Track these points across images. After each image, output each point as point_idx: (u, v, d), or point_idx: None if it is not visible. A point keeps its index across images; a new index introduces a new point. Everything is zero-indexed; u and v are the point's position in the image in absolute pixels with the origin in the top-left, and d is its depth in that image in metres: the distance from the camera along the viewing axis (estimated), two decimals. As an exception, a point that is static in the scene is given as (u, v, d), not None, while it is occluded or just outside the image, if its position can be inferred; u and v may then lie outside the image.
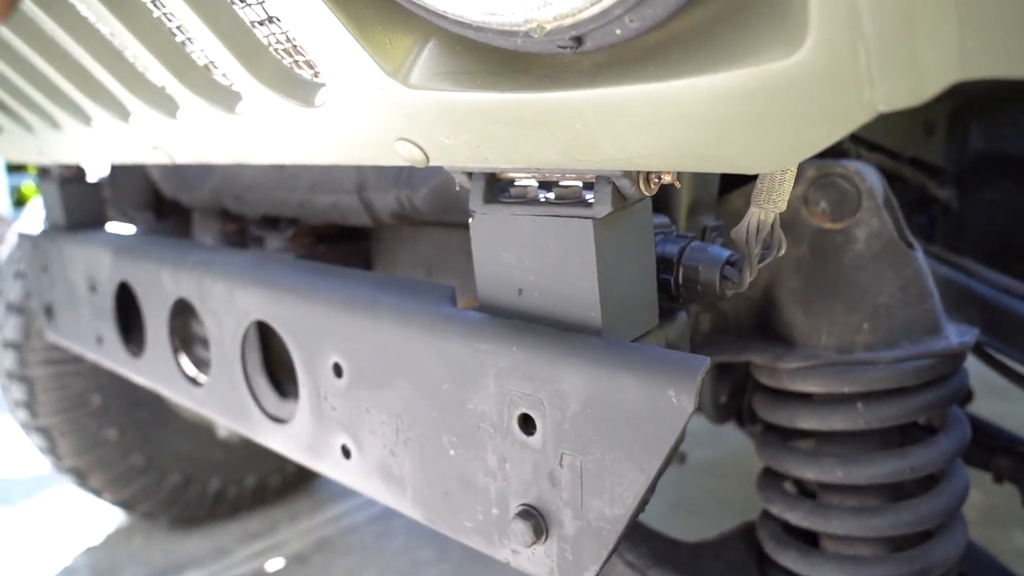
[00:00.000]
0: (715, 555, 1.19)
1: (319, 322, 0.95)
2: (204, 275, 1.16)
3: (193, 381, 1.25)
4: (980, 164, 1.79)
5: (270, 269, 1.07)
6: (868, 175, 1.04)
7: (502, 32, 0.55)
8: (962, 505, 1.06)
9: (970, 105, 1.68)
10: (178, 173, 1.53)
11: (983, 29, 0.40)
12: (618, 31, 0.51)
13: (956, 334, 1.04)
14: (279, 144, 0.90)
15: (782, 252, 0.70)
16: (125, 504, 2.41)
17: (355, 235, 1.37)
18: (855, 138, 1.35)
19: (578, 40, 0.53)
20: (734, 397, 1.31)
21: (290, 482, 2.75)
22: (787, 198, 0.64)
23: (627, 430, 0.63)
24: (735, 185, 1.07)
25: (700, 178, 0.94)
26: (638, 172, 0.62)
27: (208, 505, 2.54)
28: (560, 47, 0.54)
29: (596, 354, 0.64)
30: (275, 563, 2.42)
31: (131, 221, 1.82)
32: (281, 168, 1.26)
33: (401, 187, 1.06)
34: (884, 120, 1.46)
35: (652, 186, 0.63)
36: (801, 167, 1.06)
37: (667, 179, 0.62)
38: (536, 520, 0.73)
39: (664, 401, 0.60)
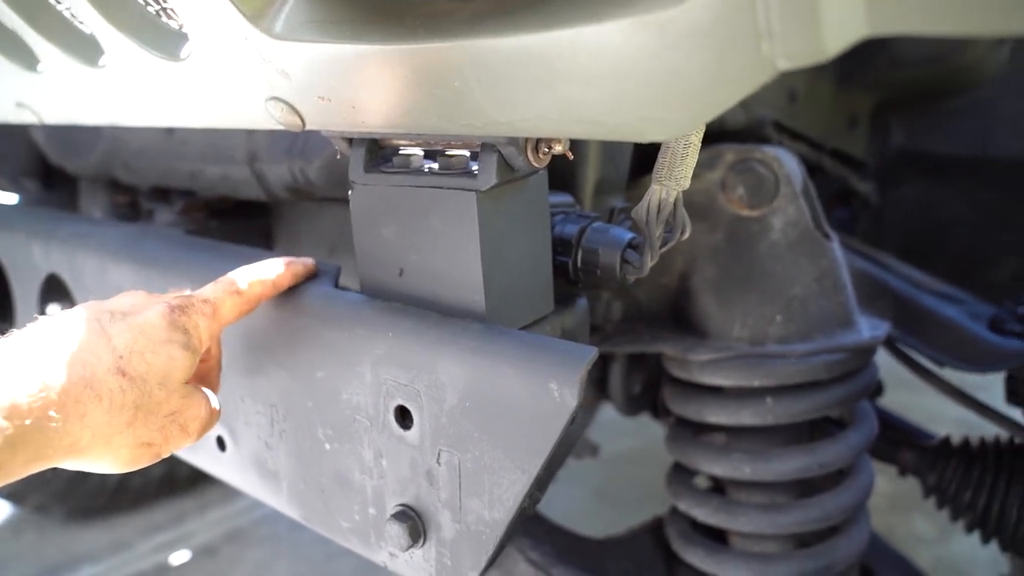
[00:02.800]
0: (622, 552, 1.15)
1: (193, 301, 0.86)
2: (77, 249, 1.05)
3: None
4: (900, 160, 1.80)
5: (146, 244, 0.97)
6: (787, 161, 1.00)
7: (366, -30, 0.48)
8: (867, 500, 1.04)
9: (892, 101, 1.67)
10: (63, 137, 1.40)
11: (892, -21, 0.35)
12: (495, -27, 0.45)
13: (868, 328, 1.01)
14: (148, 103, 0.81)
15: (686, 235, 0.65)
16: (14, 497, 2.24)
17: (253, 210, 1.28)
18: (778, 126, 1.32)
19: (452, -17, 0.46)
20: (649, 387, 1.27)
21: (202, 472, 2.62)
22: (690, 174, 0.59)
23: (507, 426, 0.57)
24: (648, 168, 1.02)
25: (608, 155, 0.88)
26: (525, 140, 0.56)
27: (108, 496, 2.38)
28: (433, -9, 0.47)
29: (475, 342, 0.58)
30: (180, 556, 2.30)
31: (16, 190, 1.68)
32: (169, 134, 1.15)
33: (294, 158, 0.98)
34: (807, 110, 1.44)
35: (542, 156, 0.57)
36: (720, 151, 1.01)
37: (558, 148, 0.56)
38: (413, 522, 0.66)
39: (545, 395, 0.54)
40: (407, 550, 0.67)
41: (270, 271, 0.72)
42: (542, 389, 0.54)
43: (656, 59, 0.41)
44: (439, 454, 0.63)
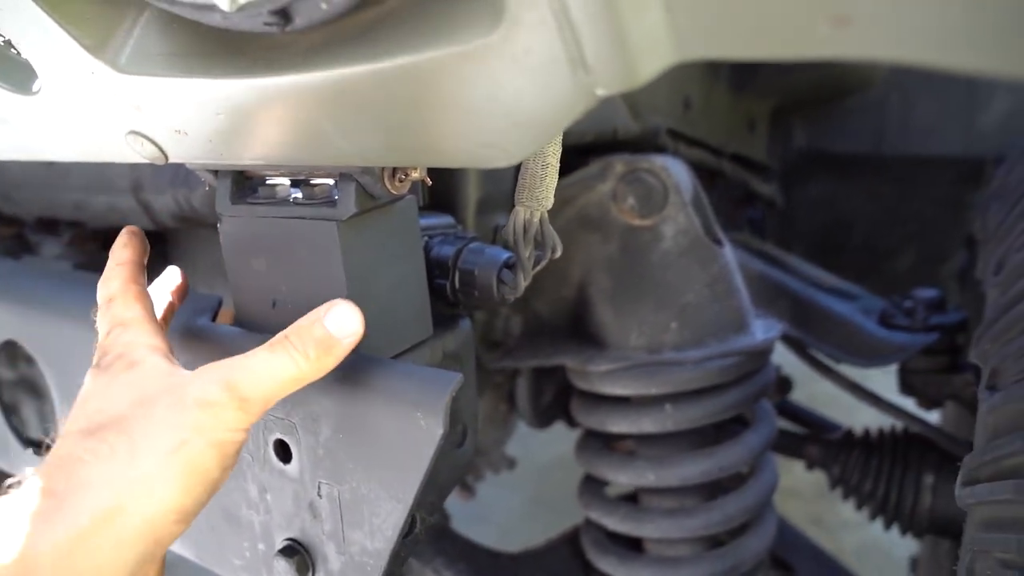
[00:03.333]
0: (539, 565, 1.15)
1: (69, 340, 0.83)
2: (-48, 288, 1.00)
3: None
4: (803, 161, 1.86)
5: (23, 281, 0.94)
6: (675, 170, 1.02)
7: (196, 6, 0.47)
8: (771, 497, 1.07)
9: (792, 103, 1.73)
10: (-59, 171, 1.34)
11: (693, 7, 0.36)
12: (324, 5, 0.44)
13: (762, 330, 1.04)
14: (7, 137, 0.78)
15: (557, 254, 0.65)
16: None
17: (149, 239, 1.24)
18: (674, 134, 1.35)
19: (284, 16, 0.46)
20: (559, 399, 1.28)
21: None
22: (551, 194, 0.59)
23: (380, 457, 0.57)
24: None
25: (488, 174, 0.89)
26: (382, 168, 0.56)
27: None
28: (267, 24, 0.47)
29: (345, 372, 0.57)
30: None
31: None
32: (49, 165, 1.11)
33: (178, 187, 0.96)
34: (704, 116, 1.47)
35: (400, 183, 0.56)
36: (609, 162, 1.03)
37: (415, 175, 0.56)
38: (301, 556, 0.65)
39: (412, 425, 0.54)
40: (296, 585, 0.66)
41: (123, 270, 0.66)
42: (409, 419, 0.54)
43: (481, 88, 0.41)
44: (319, 486, 0.62)
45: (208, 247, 1.21)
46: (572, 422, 1.35)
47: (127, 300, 0.62)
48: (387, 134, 0.48)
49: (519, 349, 1.05)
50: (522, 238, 0.61)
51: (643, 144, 1.23)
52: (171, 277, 0.72)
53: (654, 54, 0.38)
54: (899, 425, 1.23)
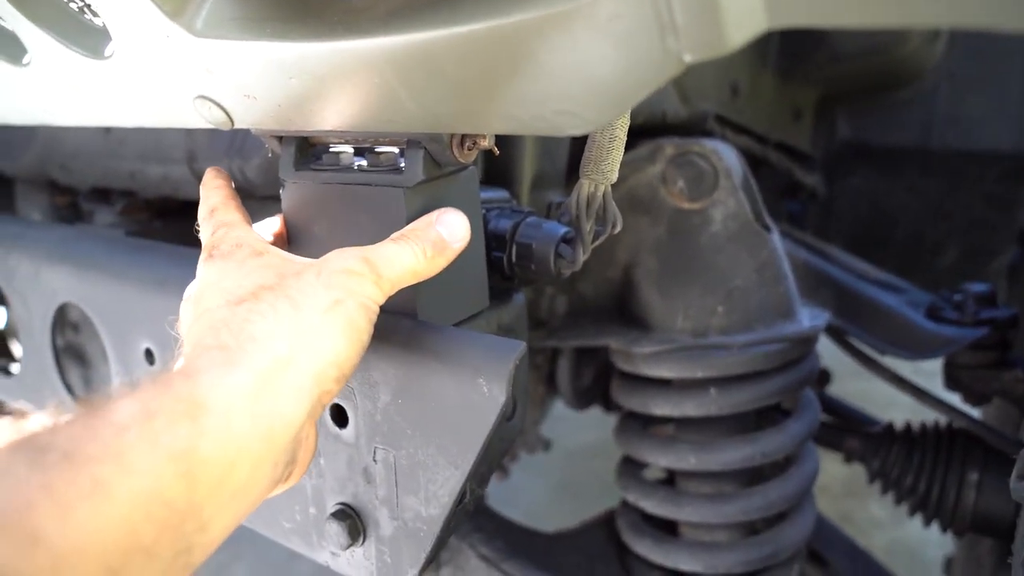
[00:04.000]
0: (574, 545, 1.15)
1: (129, 304, 0.85)
2: (10, 251, 1.03)
3: (4, 370, 1.12)
4: (846, 153, 1.84)
5: (82, 245, 0.96)
6: (726, 154, 1.02)
7: (279, -33, 0.48)
8: (812, 487, 1.06)
9: (835, 94, 1.70)
10: (-2, 138, 1.37)
11: (788, -27, 0.36)
12: (407, -32, 0.45)
13: (808, 318, 1.03)
14: (76, 102, 0.79)
15: (618, 228, 0.65)
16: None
17: (197, 210, 1.26)
18: (721, 120, 1.34)
19: (367, -22, 0.46)
20: (599, 381, 1.28)
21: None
22: (617, 168, 0.59)
23: (439, 423, 0.57)
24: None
25: (545, 150, 0.89)
26: (451, 136, 0.56)
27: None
28: (348, -13, 0.47)
29: (406, 338, 0.58)
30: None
31: (-48, 193, 1.63)
32: (106, 133, 1.13)
33: (233, 157, 0.97)
34: (750, 104, 1.45)
35: (468, 151, 0.57)
36: (660, 145, 1.02)
37: (484, 144, 0.57)
38: (352, 520, 0.66)
39: (475, 391, 0.54)
40: (347, 549, 0.67)
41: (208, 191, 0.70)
42: (471, 385, 0.54)
43: (565, 53, 0.41)
44: (375, 452, 0.63)
45: (255, 220, 1.22)
46: (609, 405, 1.36)
47: (228, 209, 0.65)
48: (462, 100, 0.49)
49: (563, 329, 1.05)
50: (585, 211, 0.61)
51: (691, 129, 1.22)
52: (272, 222, 0.73)
53: (747, 20, 0.38)
54: (942, 420, 1.22)
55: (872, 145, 1.81)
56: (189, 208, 1.28)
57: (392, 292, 0.56)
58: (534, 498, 2.63)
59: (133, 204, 1.21)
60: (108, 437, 0.41)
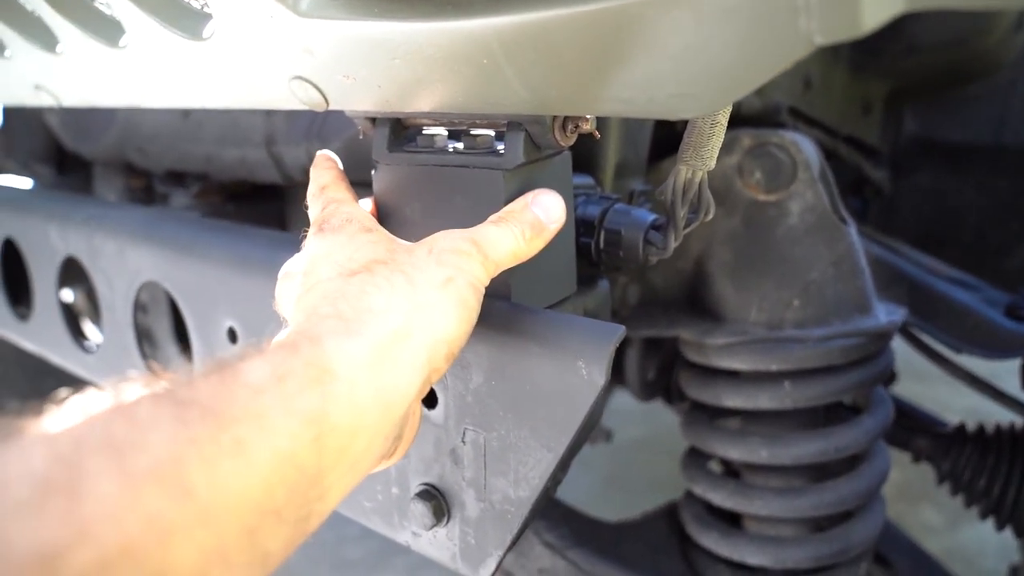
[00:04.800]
0: (637, 535, 1.15)
1: (213, 284, 0.87)
2: (94, 231, 1.05)
3: (84, 347, 1.15)
4: (913, 148, 1.79)
5: (164, 226, 0.98)
6: (804, 146, 1.00)
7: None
8: (882, 484, 1.04)
9: (907, 88, 1.66)
10: (77, 121, 1.41)
11: (932, -48, 0.35)
12: (526, -53, 0.45)
13: (885, 313, 1.01)
14: (169, 84, 0.81)
15: (710, 216, 0.65)
16: None
17: (268, 195, 1.28)
18: (793, 112, 1.32)
19: (482, -42, 0.46)
20: (662, 373, 1.28)
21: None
22: (716, 154, 0.59)
23: (533, 405, 0.57)
24: (668, 152, 1.02)
25: (629, 138, 0.88)
26: (553, 118, 0.56)
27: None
28: (462, -34, 0.47)
29: (501, 320, 0.58)
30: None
31: (30, 175, 1.68)
32: (185, 116, 1.16)
33: (312, 140, 0.98)
34: (822, 97, 1.43)
35: (569, 135, 0.57)
36: (737, 136, 1.01)
37: (586, 128, 0.56)
38: (437, 501, 0.67)
39: (573, 373, 0.54)
40: (431, 529, 0.67)
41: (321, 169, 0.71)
42: (569, 367, 0.54)
43: (689, 34, 0.41)
44: (464, 433, 0.63)
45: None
46: (671, 398, 1.35)
47: (339, 187, 0.66)
48: (574, 82, 0.48)
49: (634, 319, 1.04)
50: (680, 198, 0.61)
51: (764, 121, 1.21)
52: (364, 203, 0.73)
53: (884, 2, 0.37)
54: (1018, 422, 1.18)
55: (941, 141, 1.76)
56: (262, 192, 1.31)
57: (496, 274, 0.57)
58: (581, 492, 2.63)
59: (207, 187, 1.24)
60: (245, 398, 0.42)
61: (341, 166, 0.70)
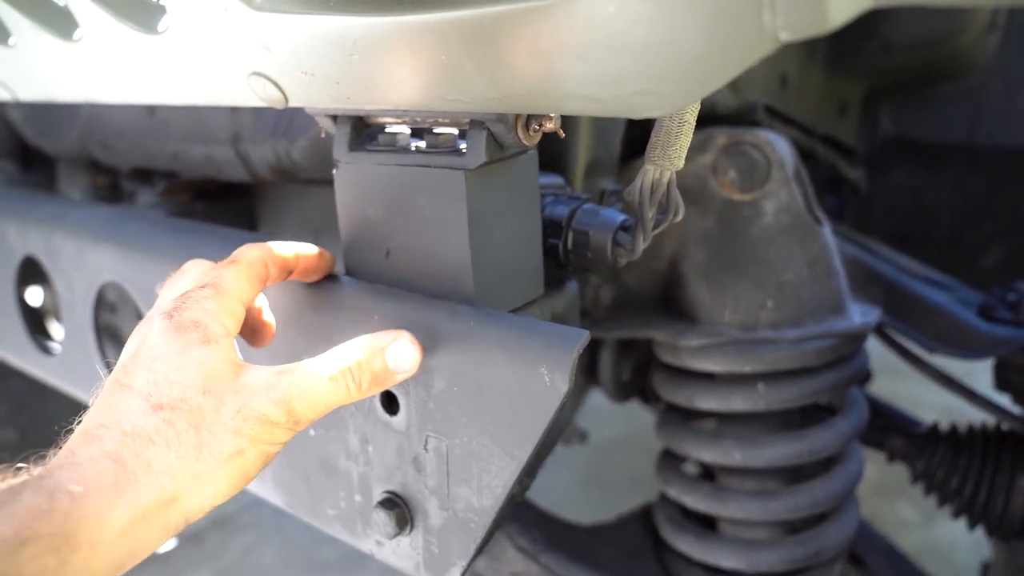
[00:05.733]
0: (611, 538, 1.14)
1: (174, 284, 0.84)
2: (54, 230, 1.03)
3: (45, 349, 1.12)
4: (889, 148, 1.80)
5: (125, 226, 0.95)
6: (779, 145, 0.99)
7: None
8: (857, 486, 1.04)
9: (883, 88, 1.66)
10: (40, 116, 1.37)
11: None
12: (484, -62, 0.43)
13: (859, 314, 1.00)
14: (126, 79, 0.78)
15: (679, 217, 0.63)
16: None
17: (237, 193, 1.25)
18: (770, 111, 1.31)
19: (439, -50, 0.45)
20: (638, 374, 1.26)
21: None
22: (684, 154, 0.57)
23: (496, 411, 0.56)
24: (640, 151, 1.00)
25: (600, 136, 0.87)
26: (516, 117, 0.54)
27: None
28: (419, -42, 0.46)
29: (463, 325, 0.56)
30: (167, 543, 2.28)
31: (-6, 171, 1.64)
32: (150, 113, 1.13)
33: (279, 138, 0.96)
34: (798, 96, 1.42)
35: (532, 133, 0.55)
36: (711, 135, 1.00)
37: (549, 126, 0.55)
38: (400, 509, 0.65)
39: (536, 380, 0.52)
40: (394, 538, 0.66)
41: (271, 245, 0.64)
42: (532, 373, 0.53)
43: (652, 30, 0.40)
44: (426, 440, 0.62)
45: (296, 203, 1.22)
46: (647, 399, 1.34)
47: (242, 274, 0.61)
48: (535, 79, 0.47)
49: (607, 320, 1.03)
50: (648, 198, 0.59)
51: (740, 119, 1.20)
52: (306, 249, 0.68)
53: (850, -4, 0.36)
54: (989, 422, 1.18)
55: (916, 140, 1.77)
56: (231, 190, 1.29)
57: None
58: (560, 492, 2.62)
59: (174, 185, 1.21)
60: None
61: (271, 273, 0.63)
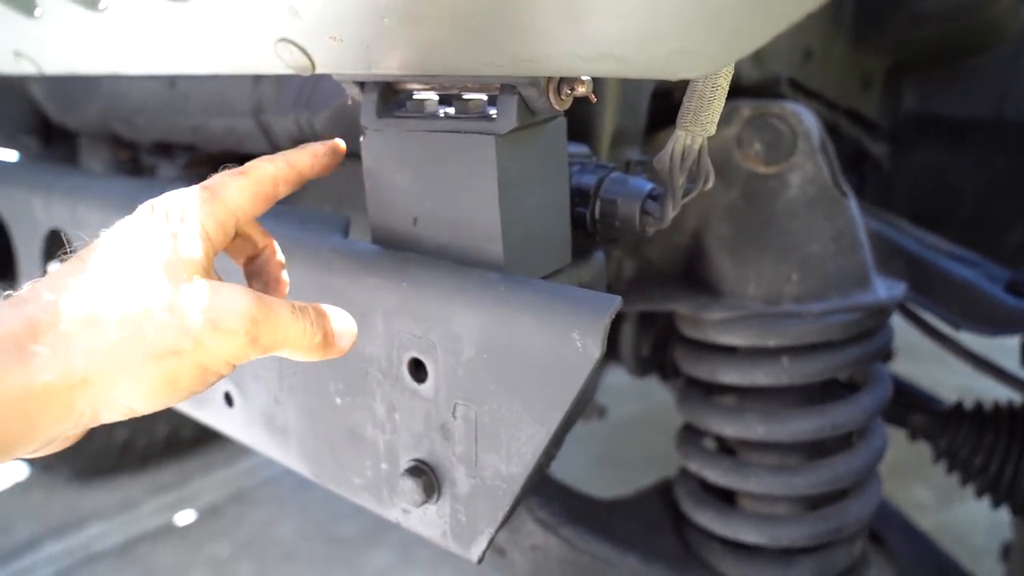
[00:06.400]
0: (631, 513, 1.14)
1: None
2: (78, 202, 1.03)
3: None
4: (912, 124, 1.77)
5: (148, 195, 0.95)
6: (805, 117, 0.98)
7: None
8: (879, 462, 1.03)
9: (908, 61, 1.64)
10: (62, 92, 1.37)
11: None
12: None
13: (885, 288, 0.99)
14: (152, 49, 0.78)
15: (710, 185, 0.63)
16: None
17: (258, 166, 1.25)
18: (793, 84, 1.29)
19: (474, -93, 0.44)
20: (657, 349, 1.26)
21: (207, 432, 2.62)
22: (716, 120, 0.57)
23: (526, 378, 0.56)
24: (665, 123, 0.99)
25: (627, 105, 0.86)
26: (547, 80, 0.54)
27: (114, 456, 2.39)
28: (454, -84, 0.45)
29: (493, 291, 0.56)
30: (186, 515, 2.32)
31: (16, 147, 1.65)
32: (171, 86, 1.13)
33: (301, 109, 0.95)
34: (822, 69, 1.40)
35: (564, 98, 0.54)
36: (736, 106, 0.99)
37: (581, 90, 0.54)
38: (427, 477, 0.65)
39: (567, 345, 0.52)
40: (420, 506, 0.66)
41: (288, 152, 0.60)
42: (564, 339, 0.52)
43: (693, -15, 0.39)
44: (455, 407, 0.62)
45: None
46: (666, 374, 1.34)
47: (248, 189, 0.56)
48: (568, 40, 0.46)
49: (629, 293, 1.02)
50: (679, 165, 0.58)
51: (763, 92, 1.18)
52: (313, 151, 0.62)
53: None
54: (1017, 400, 1.17)
55: (940, 116, 1.74)
56: (246, 162, 1.28)
57: (256, 357, 0.51)
58: (575, 469, 2.63)
59: (195, 158, 1.21)
60: None
61: (280, 191, 0.59)
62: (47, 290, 0.47)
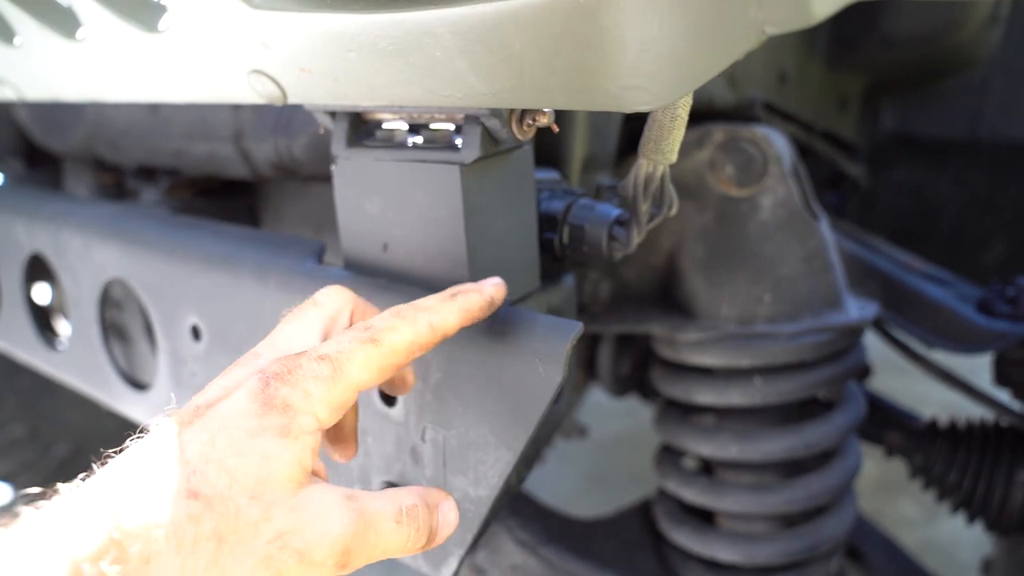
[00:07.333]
0: (610, 532, 1.15)
1: (176, 281, 0.85)
2: (60, 227, 1.04)
3: (52, 345, 1.14)
4: (891, 144, 1.80)
5: (129, 222, 0.96)
6: (776, 141, 1.00)
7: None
8: (854, 480, 1.04)
9: (883, 83, 1.67)
10: (47, 116, 1.38)
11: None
12: (476, -64, 0.44)
13: (856, 308, 1.01)
14: (130, 78, 0.79)
15: (674, 211, 0.64)
16: (6, 477, 2.24)
17: (239, 190, 1.26)
18: (768, 107, 1.31)
19: (433, -52, 0.46)
20: (636, 369, 1.27)
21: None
22: (677, 148, 0.58)
23: (492, 403, 0.57)
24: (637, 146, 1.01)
25: (596, 131, 0.88)
26: (510, 111, 0.55)
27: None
28: (413, -43, 0.46)
29: (460, 317, 0.57)
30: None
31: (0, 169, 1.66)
32: (154, 112, 1.14)
33: (279, 135, 0.97)
34: (798, 91, 1.43)
35: (526, 128, 0.56)
36: (708, 131, 1.01)
37: (543, 121, 0.56)
38: (399, 500, 0.66)
39: (530, 371, 0.53)
40: (392, 528, 0.67)
41: (433, 307, 0.52)
42: (526, 365, 0.53)
43: (638, 24, 0.40)
44: (424, 431, 0.63)
45: (296, 200, 1.23)
46: (646, 393, 1.35)
47: (375, 363, 0.49)
48: (527, 74, 0.48)
49: (605, 315, 1.04)
50: (642, 192, 0.60)
51: (737, 116, 1.20)
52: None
53: (832, -10, 0.36)
54: (988, 417, 1.19)
55: (917, 136, 1.77)
56: (233, 187, 1.30)
57: None
58: (562, 487, 2.63)
59: (178, 183, 1.22)
60: None
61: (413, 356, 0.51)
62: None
